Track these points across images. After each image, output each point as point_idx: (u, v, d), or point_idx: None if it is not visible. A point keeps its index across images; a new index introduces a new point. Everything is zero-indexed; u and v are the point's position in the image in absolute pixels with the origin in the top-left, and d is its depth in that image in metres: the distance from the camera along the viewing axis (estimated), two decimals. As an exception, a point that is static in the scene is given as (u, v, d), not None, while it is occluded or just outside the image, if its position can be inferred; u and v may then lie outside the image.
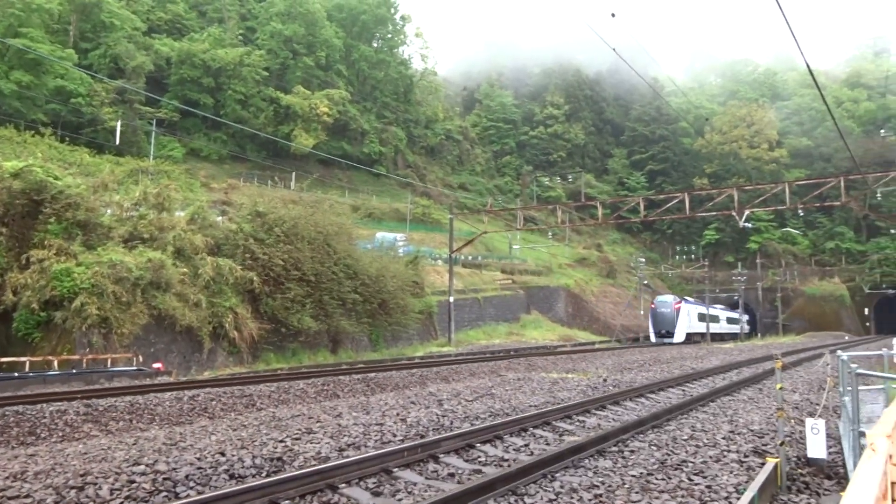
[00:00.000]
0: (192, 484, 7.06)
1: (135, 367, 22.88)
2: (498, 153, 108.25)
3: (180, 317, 25.66)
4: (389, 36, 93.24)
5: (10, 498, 6.20)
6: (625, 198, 61.17)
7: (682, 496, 7.09)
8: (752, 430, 11.11)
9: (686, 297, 61.38)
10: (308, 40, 76.31)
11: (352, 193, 71.37)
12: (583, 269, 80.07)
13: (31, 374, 20.36)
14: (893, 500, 1.84)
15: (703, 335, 58.34)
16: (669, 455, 9.14)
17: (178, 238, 27.51)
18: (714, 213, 49.98)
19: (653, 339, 55.45)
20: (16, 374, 20.12)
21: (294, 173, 61.28)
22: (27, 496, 6.27)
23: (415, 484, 7.59)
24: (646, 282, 72.93)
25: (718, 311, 68.26)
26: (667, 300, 57.24)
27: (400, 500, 6.95)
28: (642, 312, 66.09)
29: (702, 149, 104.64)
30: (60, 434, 11.91)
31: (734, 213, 38.15)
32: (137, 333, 24.74)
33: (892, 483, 1.81)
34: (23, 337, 23.11)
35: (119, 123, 50.69)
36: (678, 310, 55.08)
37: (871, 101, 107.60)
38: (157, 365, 23.52)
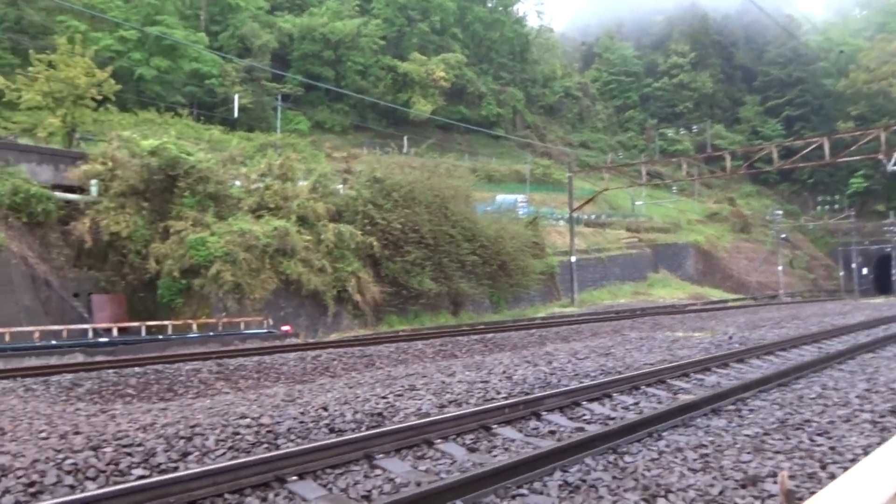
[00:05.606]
0: (292, 437, 7.32)
1: (265, 330, 24.18)
2: (620, 108, 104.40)
3: (306, 282, 26.78)
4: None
5: (123, 446, 6.67)
6: (756, 147, 57.67)
7: (800, 457, 6.56)
8: (892, 389, 10.13)
9: None
10: (422, 6, 76.40)
11: (471, 157, 71.32)
12: (714, 224, 76.29)
13: (173, 337, 22.02)
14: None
15: None
16: (792, 414, 8.50)
17: (300, 206, 28.62)
18: (857, 158, 45.39)
19: None
20: (160, 337, 21.84)
21: (406, 138, 61.96)
22: (139, 444, 6.72)
23: (513, 440, 7.49)
24: (783, 235, 68.49)
25: None
26: None
27: (495, 455, 6.87)
28: (780, 268, 62.42)
29: (846, 90, 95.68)
30: (195, 391, 12.66)
31: (882, 157, 34.75)
32: (268, 298, 26.10)
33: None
34: (167, 303, 24.97)
35: (237, 98, 52.98)
36: None
37: None
38: (285, 328, 24.72)
